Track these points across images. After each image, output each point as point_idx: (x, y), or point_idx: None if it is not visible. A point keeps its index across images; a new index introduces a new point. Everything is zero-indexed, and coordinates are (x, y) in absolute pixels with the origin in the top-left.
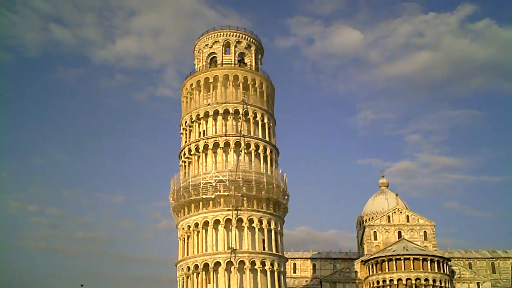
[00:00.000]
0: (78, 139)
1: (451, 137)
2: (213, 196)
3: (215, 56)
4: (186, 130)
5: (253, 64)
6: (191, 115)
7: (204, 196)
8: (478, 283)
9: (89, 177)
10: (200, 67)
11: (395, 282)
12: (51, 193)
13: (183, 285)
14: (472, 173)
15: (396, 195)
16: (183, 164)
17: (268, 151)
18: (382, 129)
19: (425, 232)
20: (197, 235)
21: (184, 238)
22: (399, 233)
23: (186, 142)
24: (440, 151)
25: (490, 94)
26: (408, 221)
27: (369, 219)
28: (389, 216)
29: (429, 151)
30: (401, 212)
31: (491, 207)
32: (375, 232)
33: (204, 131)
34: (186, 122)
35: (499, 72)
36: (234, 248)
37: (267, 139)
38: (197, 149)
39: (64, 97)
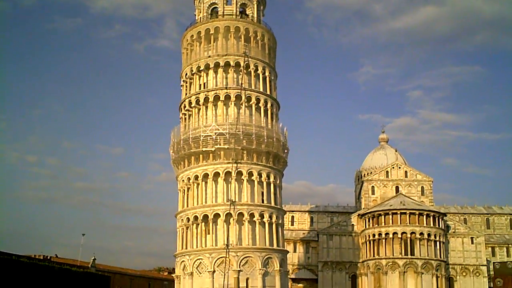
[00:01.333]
0: (77, 90)
1: (453, 94)
2: (213, 149)
3: (216, 7)
4: (186, 83)
5: (255, 15)
6: (192, 67)
7: (204, 149)
8: (472, 238)
9: (88, 128)
10: (200, 18)
11: (391, 236)
12: (50, 144)
13: (182, 236)
14: (472, 130)
15: (396, 151)
16: (183, 117)
17: (269, 105)
18: (384, 84)
19: (422, 187)
20: (197, 187)
21: (184, 190)
22: (397, 188)
23: (186, 94)
24: (441, 108)
25: (494, 51)
26: (406, 176)
27: (367, 174)
28: (387, 171)
29: (430, 108)
30: (399, 168)
31: (489, 165)
32: (373, 186)
33: (204, 83)
34: (186, 74)
35: (504, 28)
36: (233, 200)
37: (268, 92)
38: (197, 101)
39: (62, 47)
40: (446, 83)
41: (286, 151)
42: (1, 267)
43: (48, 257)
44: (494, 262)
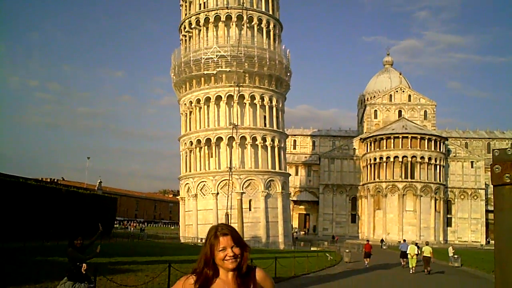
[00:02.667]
0: (75, 13)
1: (461, 15)
2: (214, 72)
3: None
4: (185, 2)
5: None
6: None
7: (205, 72)
8: (472, 162)
9: (89, 52)
10: None
11: (392, 159)
12: (51, 68)
13: (186, 159)
14: (478, 53)
15: (400, 74)
16: (184, 39)
17: (271, 26)
18: (390, 4)
19: (425, 111)
20: (199, 111)
21: (186, 113)
22: (400, 112)
23: (186, 15)
24: (448, 29)
25: None
26: (409, 100)
27: (370, 97)
28: (391, 95)
29: (437, 29)
30: (403, 91)
31: (493, 88)
32: (375, 110)
33: (204, 2)
34: None
35: None
36: (236, 124)
37: (271, 12)
38: (197, 22)
39: None
40: (455, 3)
41: (288, 74)
42: (10, 189)
43: (55, 180)
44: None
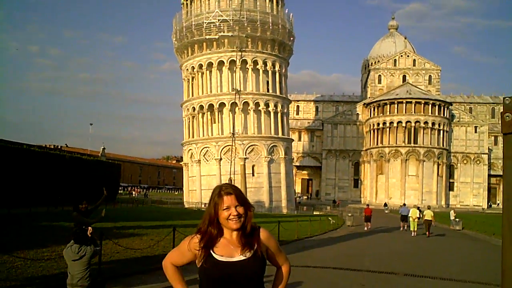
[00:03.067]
0: None
1: None
2: (216, 37)
3: None
4: None
5: None
6: None
7: (207, 37)
8: (475, 127)
9: (88, 17)
10: None
11: (395, 125)
12: (51, 33)
13: (189, 125)
14: (484, 17)
15: (405, 38)
16: (185, 2)
17: None
18: None
19: (430, 76)
20: (202, 76)
21: (189, 79)
22: (404, 77)
23: None
24: None
25: None
26: (414, 65)
27: (374, 62)
28: (395, 60)
29: None
30: (408, 56)
31: (499, 53)
32: (379, 75)
33: None
34: None
35: None
36: (239, 89)
37: None
38: None
39: None
40: None
41: (291, 38)
42: (14, 156)
43: (59, 147)
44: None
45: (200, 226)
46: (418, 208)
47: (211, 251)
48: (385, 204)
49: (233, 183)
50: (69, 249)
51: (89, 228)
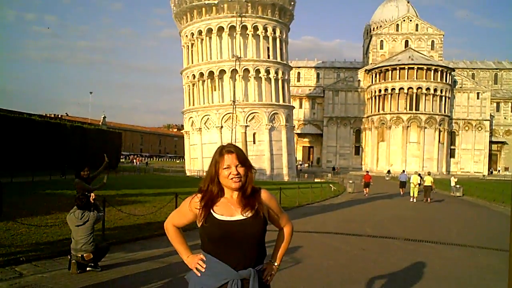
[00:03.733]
0: None
1: None
2: (216, 2)
3: None
4: None
5: None
6: None
7: (206, 2)
8: (478, 93)
9: None
10: None
11: (397, 91)
12: (47, 0)
13: (189, 93)
14: None
15: (408, 2)
16: None
17: None
18: None
19: (432, 41)
20: (201, 43)
21: (188, 46)
22: (406, 42)
23: None
24: None
25: None
26: (416, 30)
27: (376, 27)
28: (397, 25)
29: None
30: (410, 20)
31: (504, 18)
32: (381, 41)
33: None
34: None
35: None
36: (239, 56)
37: None
38: None
39: None
40: None
41: (292, 3)
42: (15, 125)
43: (59, 116)
44: None
45: (201, 186)
46: (419, 174)
47: (212, 211)
48: (389, 171)
49: None
50: (73, 214)
51: (92, 194)
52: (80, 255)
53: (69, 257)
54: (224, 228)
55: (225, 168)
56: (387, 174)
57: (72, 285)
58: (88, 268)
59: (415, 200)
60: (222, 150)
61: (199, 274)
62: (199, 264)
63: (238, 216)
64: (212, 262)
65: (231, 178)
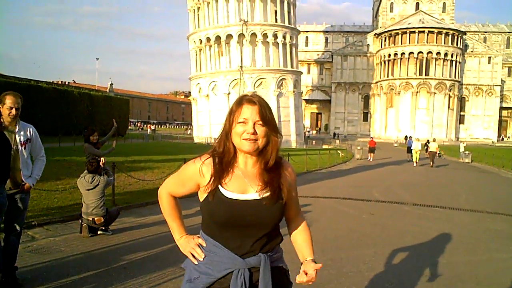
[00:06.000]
0: None
1: None
2: None
3: None
4: None
5: None
6: None
7: None
8: (489, 57)
9: None
10: None
11: (406, 56)
12: None
13: (196, 59)
14: None
15: None
16: None
17: None
18: None
19: (444, 4)
20: (208, 6)
21: (195, 10)
22: (417, 5)
23: None
24: None
25: None
26: None
27: None
28: None
29: None
30: None
31: None
32: (392, 3)
33: None
34: None
35: None
36: (246, 20)
37: None
38: None
39: None
40: None
41: None
42: (22, 92)
43: (66, 83)
44: None
45: (215, 146)
46: (428, 141)
47: (219, 185)
48: (406, 137)
49: None
50: (83, 178)
51: (102, 158)
52: (91, 219)
53: (80, 221)
54: (233, 208)
55: (240, 123)
56: (408, 139)
57: (84, 248)
58: (99, 232)
59: (415, 165)
60: (242, 99)
61: (196, 262)
62: (196, 252)
63: (252, 195)
64: (213, 247)
65: (245, 138)
